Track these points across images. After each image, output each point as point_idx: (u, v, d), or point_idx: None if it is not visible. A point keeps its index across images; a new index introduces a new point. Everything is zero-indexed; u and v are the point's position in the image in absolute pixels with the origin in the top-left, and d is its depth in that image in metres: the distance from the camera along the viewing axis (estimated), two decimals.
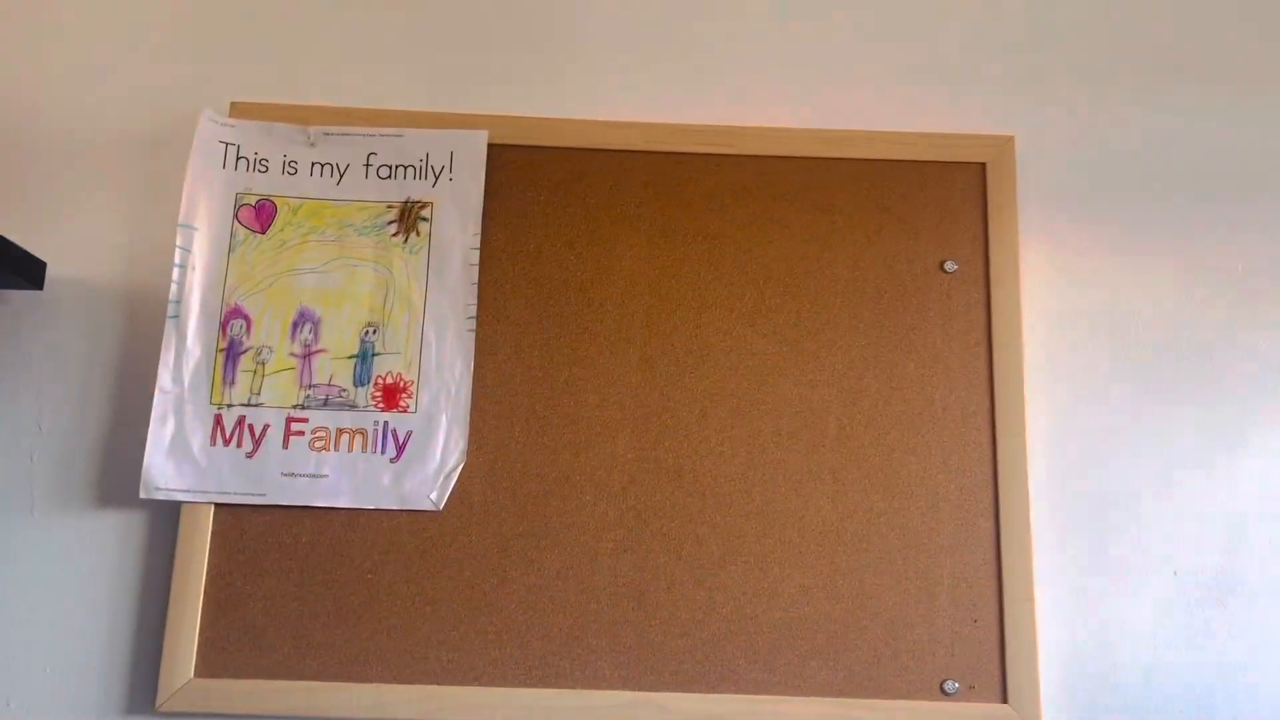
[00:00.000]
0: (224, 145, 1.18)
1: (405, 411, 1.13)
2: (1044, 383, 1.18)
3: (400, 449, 1.12)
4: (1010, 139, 1.22)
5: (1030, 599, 1.10)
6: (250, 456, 1.11)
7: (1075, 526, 1.15)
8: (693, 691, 1.08)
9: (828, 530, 1.12)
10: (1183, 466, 1.16)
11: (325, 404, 1.13)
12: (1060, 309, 1.20)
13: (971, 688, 1.08)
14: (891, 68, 1.27)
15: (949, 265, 1.18)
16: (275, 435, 1.12)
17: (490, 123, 1.21)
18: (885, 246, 1.19)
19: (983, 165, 1.22)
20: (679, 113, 1.25)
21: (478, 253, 1.17)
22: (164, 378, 1.12)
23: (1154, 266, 1.22)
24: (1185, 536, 1.15)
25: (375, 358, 1.14)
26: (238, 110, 1.21)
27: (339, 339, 1.14)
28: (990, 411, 1.15)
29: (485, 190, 1.19)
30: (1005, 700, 1.08)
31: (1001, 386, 1.15)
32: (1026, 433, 1.14)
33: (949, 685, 1.08)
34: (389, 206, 1.18)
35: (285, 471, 1.11)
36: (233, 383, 1.13)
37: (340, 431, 1.12)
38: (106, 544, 1.13)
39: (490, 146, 1.20)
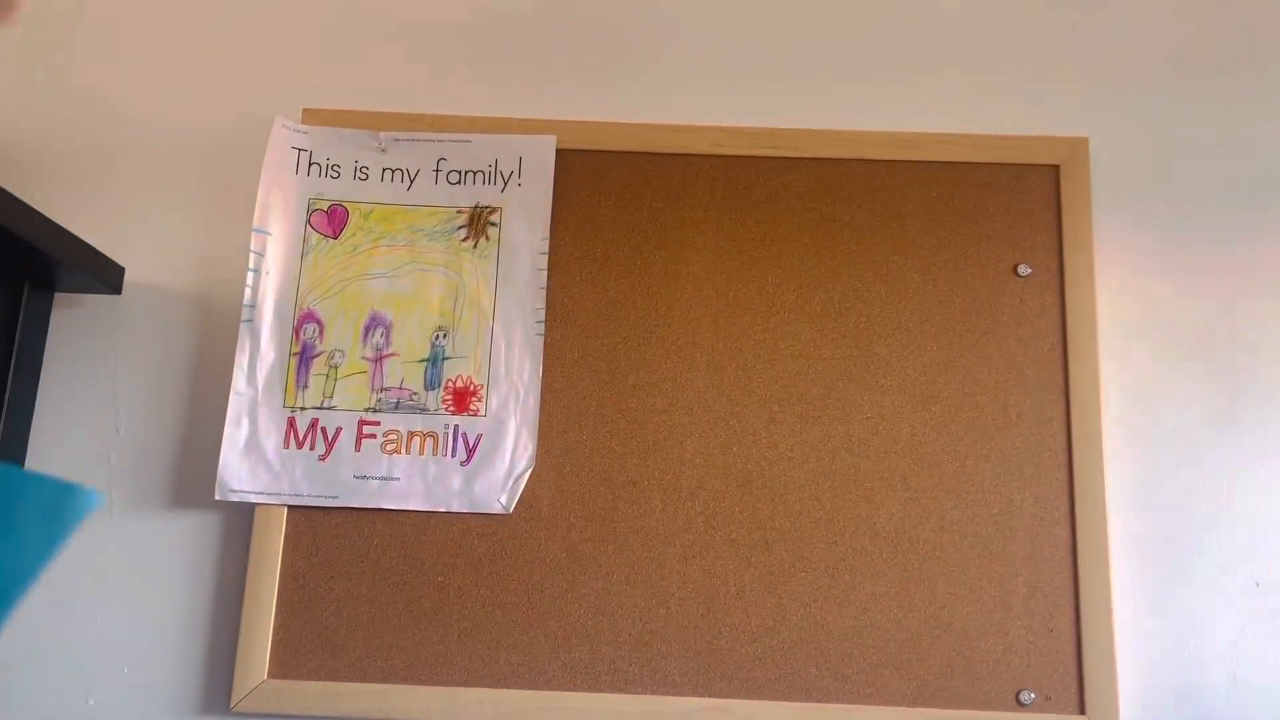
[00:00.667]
0: (297, 151, 1.20)
1: (475, 415, 1.14)
2: (1120, 389, 1.16)
3: (470, 452, 1.13)
4: (1084, 141, 1.20)
5: (1108, 609, 1.08)
6: (323, 459, 1.12)
7: (1153, 535, 1.12)
8: (762, 699, 1.08)
9: (900, 537, 1.11)
10: (1263, 474, 1.14)
11: (397, 407, 1.14)
12: (1136, 314, 1.18)
13: (1048, 699, 1.07)
14: (961, 68, 1.26)
15: (1022, 269, 1.17)
16: (347, 438, 1.13)
17: (557, 128, 1.21)
18: (956, 250, 1.18)
19: (1056, 167, 1.20)
20: (745, 116, 1.24)
21: (546, 257, 1.17)
22: (239, 381, 1.14)
23: (1231, 270, 1.19)
24: (1267, 547, 1.12)
25: (445, 361, 1.15)
26: (310, 116, 1.22)
27: (410, 343, 1.15)
28: (1065, 418, 1.13)
29: (553, 195, 1.19)
30: (1083, 712, 1.06)
31: (1076, 392, 1.13)
32: (1103, 439, 1.12)
33: (1025, 696, 1.06)
34: (458, 212, 1.19)
35: (357, 474, 1.12)
36: (306, 386, 1.14)
37: (411, 435, 1.13)
38: (183, 545, 1.14)
39: (558, 151, 1.20)
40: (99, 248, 1.22)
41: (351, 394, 1.14)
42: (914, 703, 1.07)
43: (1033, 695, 1.07)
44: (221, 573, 1.14)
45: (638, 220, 1.20)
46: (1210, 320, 1.18)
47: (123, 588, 1.14)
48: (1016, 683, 1.07)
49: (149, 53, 1.29)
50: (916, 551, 1.11)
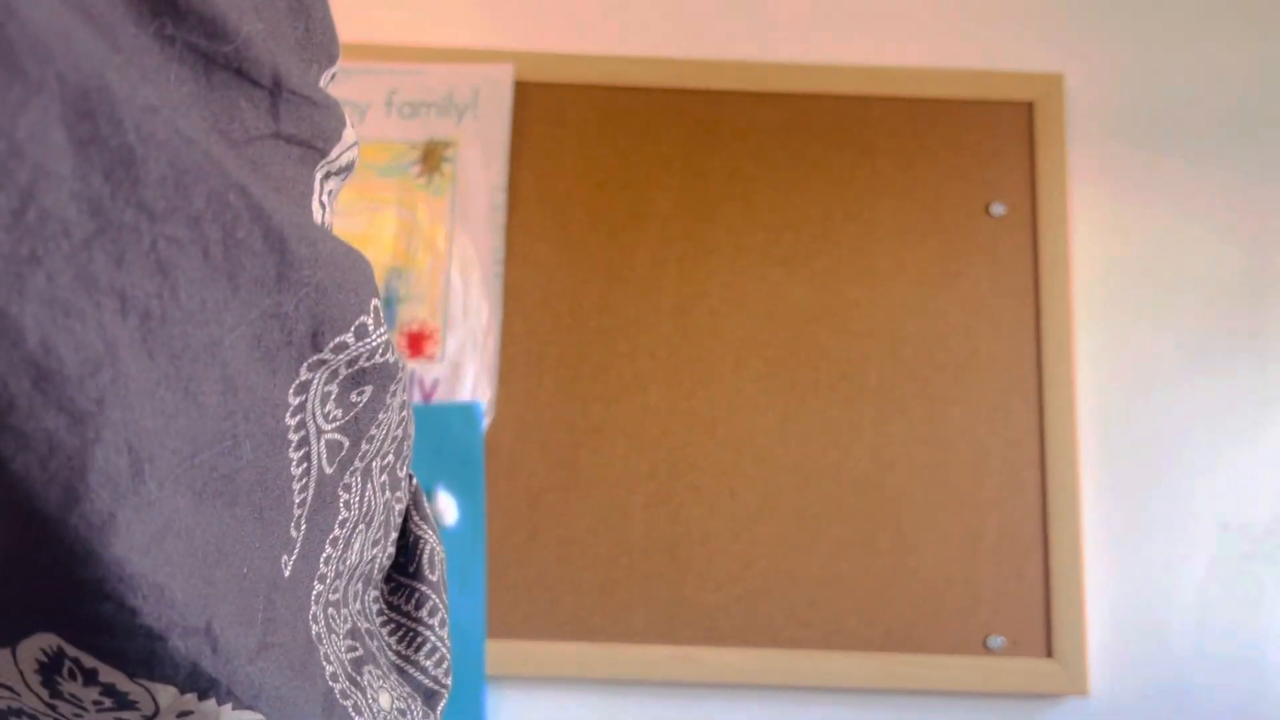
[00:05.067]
0: None
1: (431, 359, 1.09)
2: (1093, 331, 1.14)
3: (427, 398, 1.08)
4: (1059, 77, 1.17)
5: (1077, 553, 1.06)
6: None
7: (1123, 479, 1.11)
8: (728, 646, 1.06)
9: (868, 483, 1.09)
10: (1234, 418, 1.12)
11: None
12: (1110, 254, 1.16)
13: (1016, 643, 1.06)
14: (936, 2, 1.21)
15: (996, 208, 1.14)
16: None
17: (516, 59, 1.16)
18: (929, 189, 1.15)
19: (1030, 104, 1.17)
20: (713, 48, 1.19)
21: (504, 195, 1.12)
22: None
23: (1208, 209, 1.17)
24: (1235, 490, 1.11)
25: (399, 304, 1.10)
26: None
27: None
28: (1037, 360, 1.11)
29: (511, 129, 1.14)
30: (1051, 656, 1.05)
31: (1049, 335, 1.11)
32: (1074, 383, 1.10)
33: (993, 641, 1.05)
34: (411, 146, 1.13)
35: None
36: None
37: None
38: None
39: (516, 84, 1.15)
40: None
41: None
42: (882, 649, 1.06)
43: (1001, 640, 1.06)
44: None
45: (600, 157, 1.15)
46: (1185, 261, 1.16)
47: None
48: (984, 628, 1.06)
49: None
50: (884, 497, 1.09)
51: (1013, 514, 1.08)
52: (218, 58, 0.29)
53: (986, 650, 1.06)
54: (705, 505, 1.08)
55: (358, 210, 1.11)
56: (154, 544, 0.27)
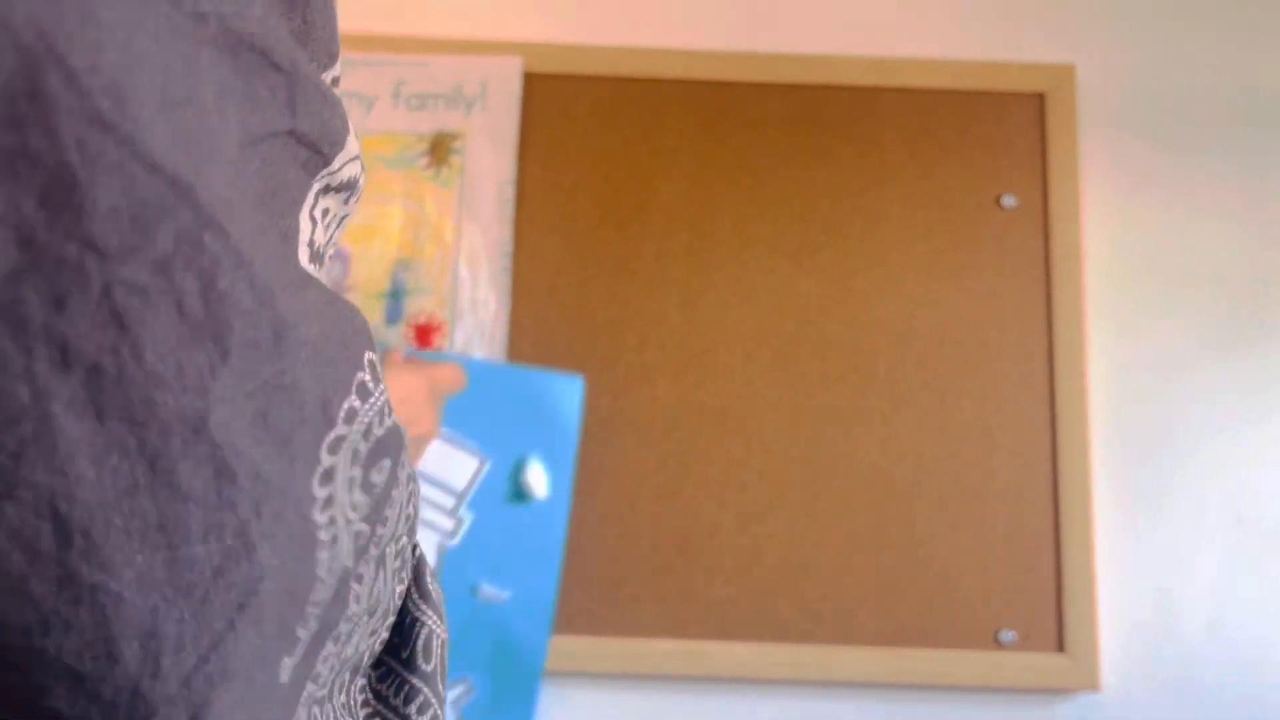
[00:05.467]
0: None
1: (439, 351, 1.09)
2: (1104, 323, 1.13)
3: None
4: (1070, 68, 1.16)
5: (1089, 547, 1.06)
6: None
7: (1136, 472, 1.10)
8: (737, 640, 1.05)
9: (877, 476, 1.08)
10: (1247, 410, 1.11)
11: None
12: (1122, 245, 1.15)
13: (1027, 638, 1.05)
14: None
15: (1006, 200, 1.13)
16: None
17: (524, 50, 1.15)
18: (938, 180, 1.14)
19: (1041, 95, 1.16)
20: (722, 40, 1.19)
21: (513, 187, 1.12)
22: None
23: (1220, 201, 1.16)
24: (1248, 484, 1.10)
25: (406, 296, 1.10)
26: None
27: (369, 276, 1.10)
28: (1048, 353, 1.10)
29: (520, 121, 1.13)
30: (1062, 650, 1.04)
31: (1060, 327, 1.10)
32: (1086, 375, 1.09)
33: (1004, 635, 1.05)
34: (419, 138, 1.13)
35: None
36: None
37: None
38: None
39: (525, 75, 1.14)
40: None
41: None
42: (892, 643, 1.05)
43: (1012, 634, 1.05)
44: None
45: (608, 149, 1.14)
46: (1197, 253, 1.15)
47: None
48: (995, 622, 1.05)
49: None
50: (895, 490, 1.08)
51: (1024, 507, 1.07)
52: (244, 34, 0.25)
53: (997, 645, 1.05)
54: (714, 498, 1.08)
55: (365, 202, 1.11)
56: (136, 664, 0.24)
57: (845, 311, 1.11)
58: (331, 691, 0.37)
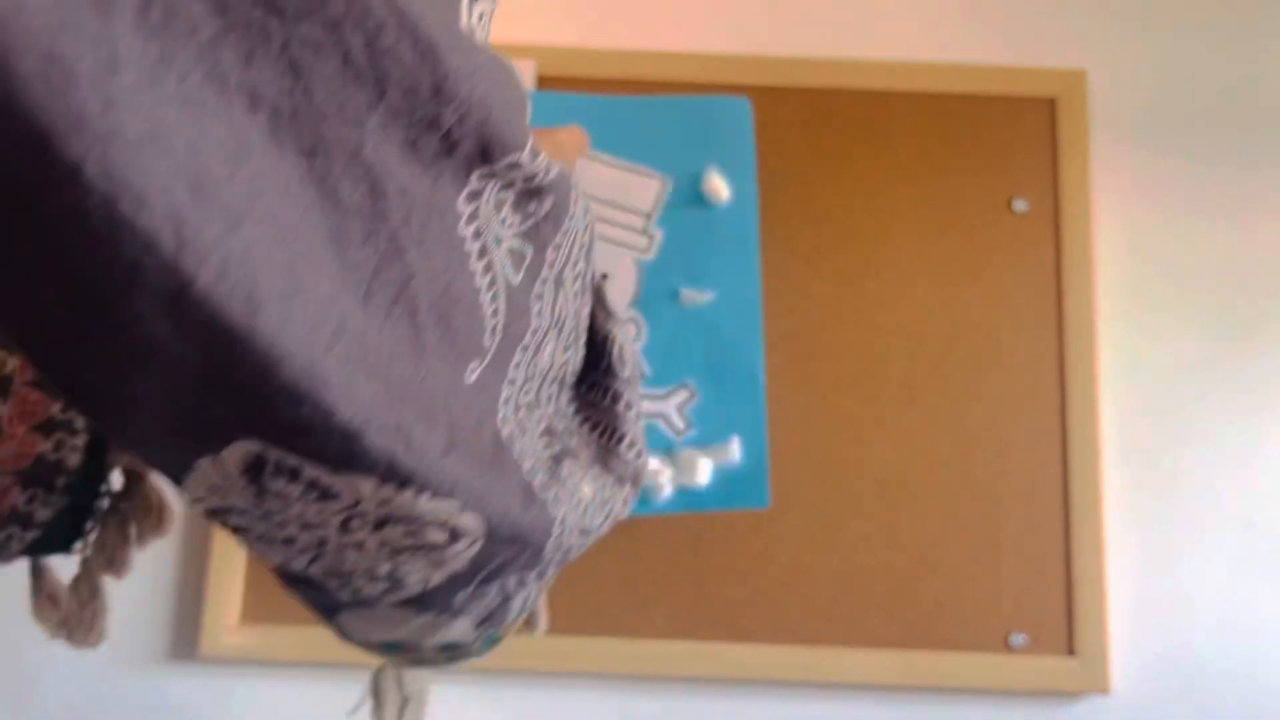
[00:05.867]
0: None
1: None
2: (1116, 327, 1.13)
3: None
4: (1082, 74, 1.16)
5: (1100, 550, 1.06)
6: None
7: (1147, 476, 1.11)
8: (748, 642, 1.06)
9: (889, 478, 1.08)
10: (1258, 414, 1.12)
11: None
12: (1133, 250, 1.15)
13: (1037, 641, 1.05)
14: None
15: (1018, 204, 1.13)
16: None
17: (538, 53, 1.16)
18: (950, 184, 1.14)
19: (1053, 100, 1.16)
20: (735, 43, 1.19)
21: None
22: None
23: (1230, 207, 1.16)
24: (1260, 487, 1.11)
25: None
26: None
27: None
28: (1059, 357, 1.10)
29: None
30: (1072, 653, 1.05)
31: (1071, 331, 1.10)
32: (1097, 379, 1.10)
33: (1014, 638, 1.05)
34: None
35: None
36: None
37: None
38: None
39: (538, 78, 1.15)
40: None
41: None
42: (902, 645, 1.05)
43: (1022, 637, 1.05)
44: (189, 516, 1.09)
45: None
46: (1207, 258, 1.15)
47: None
48: (1006, 625, 1.06)
49: None
50: (906, 492, 1.08)
51: (1035, 511, 1.08)
52: None
53: (1008, 647, 1.05)
54: None
55: None
56: (335, 343, 0.28)
57: (858, 315, 1.12)
58: (539, 399, 0.42)
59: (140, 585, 1.08)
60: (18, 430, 0.63)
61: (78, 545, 0.72)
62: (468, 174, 0.32)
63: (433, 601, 0.41)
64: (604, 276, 0.48)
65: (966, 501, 1.08)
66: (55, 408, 0.65)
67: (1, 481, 0.64)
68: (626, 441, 0.47)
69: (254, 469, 0.30)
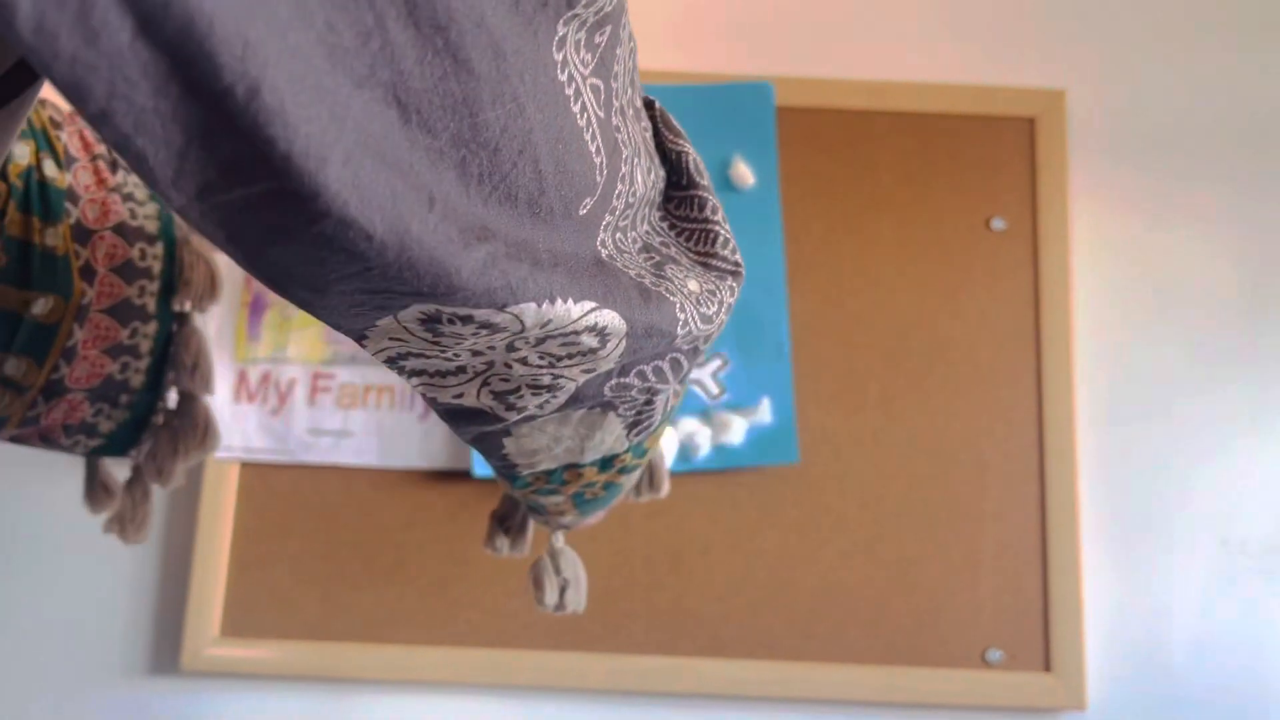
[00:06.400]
0: None
1: None
2: (1092, 346, 1.14)
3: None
4: (1061, 94, 1.18)
5: (1076, 567, 1.07)
6: (275, 414, 1.08)
7: (1123, 494, 1.12)
8: (728, 658, 1.06)
9: (869, 495, 1.09)
10: (1233, 433, 1.13)
11: (352, 360, 1.09)
12: (1110, 269, 1.16)
13: (1015, 657, 1.06)
14: (938, 17, 1.22)
15: (996, 223, 1.14)
16: (301, 391, 1.09)
17: None
18: (930, 203, 1.15)
19: (1032, 120, 1.17)
20: (716, 63, 1.20)
21: None
22: None
23: (1208, 225, 1.17)
24: (1234, 505, 1.12)
25: None
26: None
27: None
28: (1037, 374, 1.11)
29: None
30: (1049, 670, 1.05)
31: (1048, 349, 1.11)
32: (1074, 397, 1.11)
33: (992, 654, 1.06)
34: None
35: (311, 428, 1.08)
36: (257, 338, 1.10)
37: (367, 388, 1.09)
38: None
39: None
40: None
41: (305, 346, 1.10)
42: (881, 661, 1.06)
43: (1000, 654, 1.06)
44: (170, 530, 1.10)
45: None
46: (1184, 276, 1.17)
47: (67, 545, 1.09)
48: (984, 641, 1.06)
49: None
50: (885, 509, 1.09)
51: (1012, 527, 1.08)
52: None
53: (985, 664, 1.06)
54: (706, 515, 1.09)
55: None
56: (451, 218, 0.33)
57: (838, 332, 1.13)
58: (634, 221, 0.47)
59: (122, 598, 1.08)
60: (90, 352, 0.70)
61: (132, 453, 0.80)
62: (556, 21, 0.34)
63: (586, 395, 0.46)
64: (654, 102, 0.52)
65: (944, 518, 1.09)
66: (124, 333, 0.72)
67: (74, 397, 0.71)
68: (720, 240, 0.51)
69: (430, 321, 0.36)
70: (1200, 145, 1.19)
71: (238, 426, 1.08)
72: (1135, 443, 1.13)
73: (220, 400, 1.08)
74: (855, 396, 1.11)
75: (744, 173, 1.10)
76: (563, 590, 0.70)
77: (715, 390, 1.08)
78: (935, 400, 1.11)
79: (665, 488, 0.70)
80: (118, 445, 0.79)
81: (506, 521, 0.72)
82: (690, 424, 1.07)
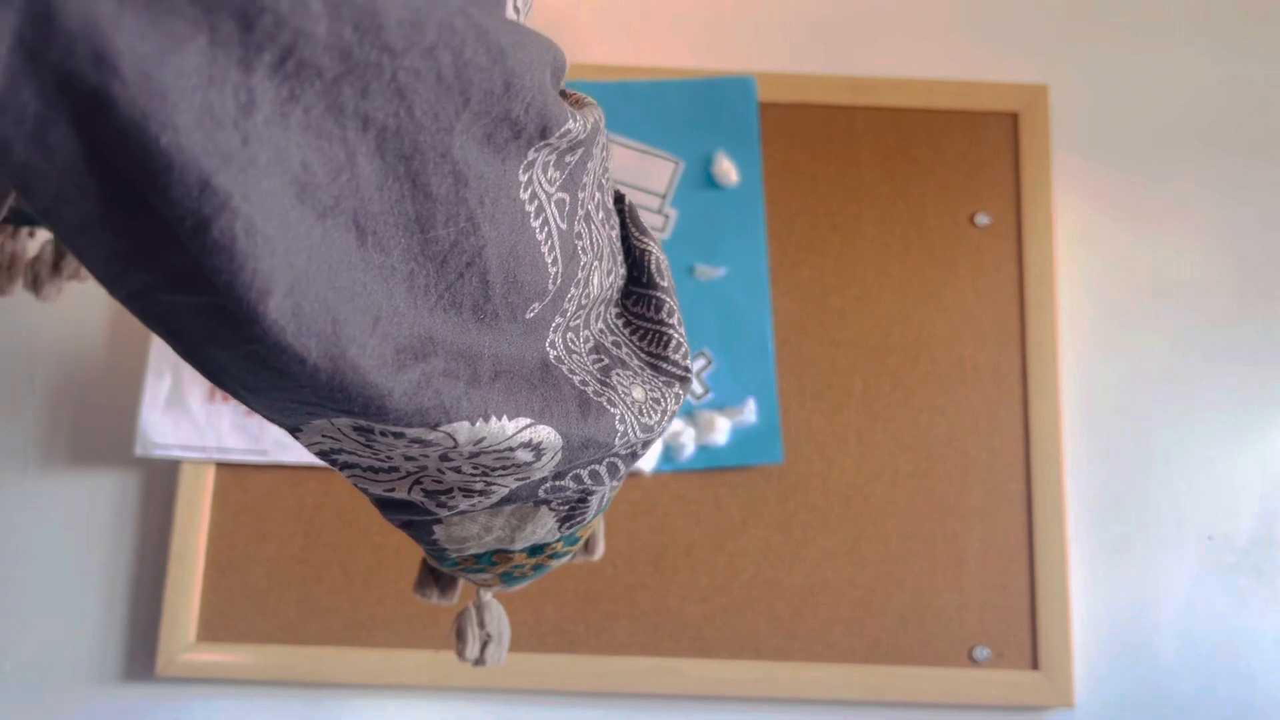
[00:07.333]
0: None
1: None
2: (1077, 340, 1.14)
3: None
4: (1044, 88, 1.17)
5: (1063, 564, 1.06)
6: (250, 413, 1.06)
7: (1109, 490, 1.11)
8: (711, 658, 1.05)
9: (852, 493, 1.08)
10: (1219, 430, 1.12)
11: None
12: (1094, 264, 1.16)
13: (1001, 655, 1.05)
14: (921, 12, 1.22)
15: (980, 219, 1.14)
16: None
17: None
18: (913, 199, 1.14)
19: (1014, 115, 1.17)
20: (697, 58, 1.19)
21: None
22: None
23: (1192, 220, 1.17)
24: (1219, 501, 1.11)
25: None
26: None
27: None
28: (1022, 371, 1.11)
29: None
30: (1036, 667, 1.05)
31: (1034, 345, 1.11)
32: (1059, 393, 1.10)
33: (979, 652, 1.05)
34: None
35: None
36: None
37: None
38: (103, 504, 1.08)
39: None
40: None
41: None
42: (866, 660, 1.05)
43: (986, 651, 1.05)
44: (145, 533, 1.08)
45: None
46: (1168, 271, 1.16)
47: (39, 549, 1.07)
48: (971, 639, 1.05)
49: None
50: (869, 507, 1.08)
51: (998, 525, 1.08)
52: None
53: (972, 662, 1.05)
54: (689, 515, 1.08)
55: None
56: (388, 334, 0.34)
57: (821, 329, 1.12)
58: (587, 320, 0.48)
59: (96, 604, 1.06)
60: None
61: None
62: (529, 150, 0.37)
63: (519, 495, 0.47)
64: (624, 197, 0.53)
65: (930, 516, 1.08)
66: None
67: None
68: (674, 344, 0.52)
69: (364, 430, 0.37)
70: (1184, 140, 1.19)
71: (212, 426, 1.06)
72: (1121, 438, 1.12)
73: (194, 400, 1.06)
74: (838, 394, 1.10)
75: (727, 169, 1.10)
76: (484, 645, 0.68)
77: (700, 390, 1.07)
78: (919, 397, 1.10)
79: (599, 551, 0.68)
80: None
81: (437, 570, 0.69)
82: (675, 424, 1.05)
